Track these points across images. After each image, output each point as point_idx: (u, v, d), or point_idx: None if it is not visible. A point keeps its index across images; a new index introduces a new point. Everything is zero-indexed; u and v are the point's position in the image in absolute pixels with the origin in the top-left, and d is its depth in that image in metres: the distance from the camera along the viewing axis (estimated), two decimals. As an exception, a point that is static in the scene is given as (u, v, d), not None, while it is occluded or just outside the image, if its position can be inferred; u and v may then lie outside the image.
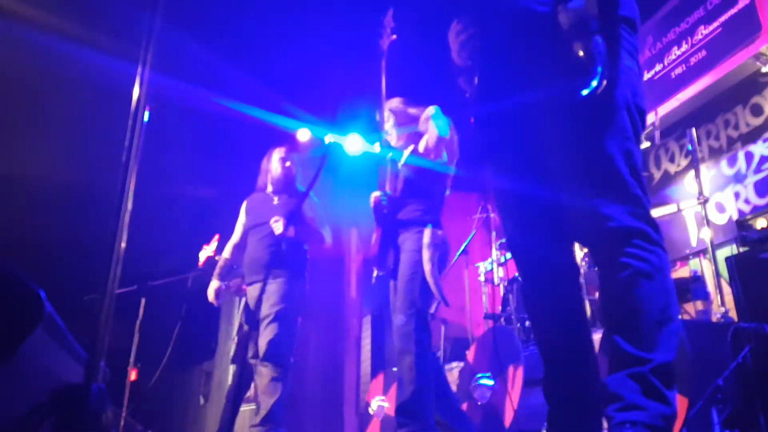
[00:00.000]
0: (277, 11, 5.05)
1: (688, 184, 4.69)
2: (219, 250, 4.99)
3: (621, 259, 1.36)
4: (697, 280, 3.56)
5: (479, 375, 3.40)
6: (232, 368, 7.68)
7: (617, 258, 1.36)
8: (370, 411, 4.10)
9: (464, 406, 3.45)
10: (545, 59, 1.46)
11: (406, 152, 3.11)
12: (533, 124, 1.52)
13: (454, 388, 3.70)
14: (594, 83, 1.28)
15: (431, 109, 3.06)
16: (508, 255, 4.33)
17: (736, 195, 4.38)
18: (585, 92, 1.29)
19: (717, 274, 3.23)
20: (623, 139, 1.40)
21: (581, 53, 1.31)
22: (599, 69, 1.29)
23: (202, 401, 8.35)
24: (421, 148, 3.05)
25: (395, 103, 3.25)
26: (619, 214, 1.36)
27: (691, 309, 3.72)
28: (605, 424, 1.39)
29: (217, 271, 3.75)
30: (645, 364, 1.31)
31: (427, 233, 2.92)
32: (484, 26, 1.57)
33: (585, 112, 1.37)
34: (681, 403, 2.25)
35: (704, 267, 4.15)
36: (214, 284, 3.70)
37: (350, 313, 5.96)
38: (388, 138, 3.20)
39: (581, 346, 1.57)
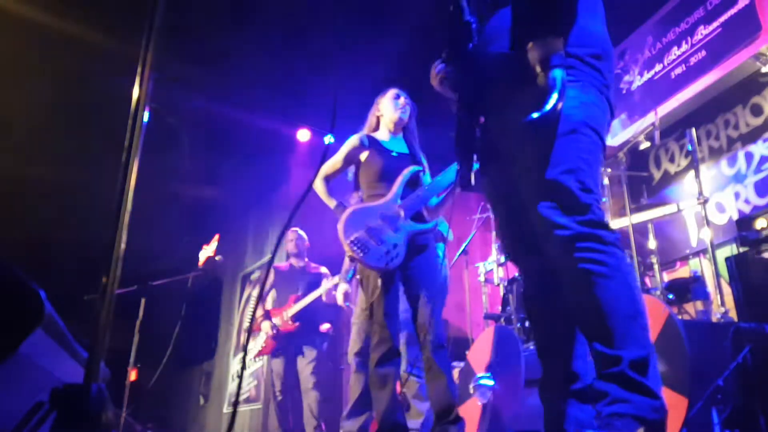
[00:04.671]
0: (277, 11, 5.05)
1: (688, 184, 4.70)
2: (219, 250, 4.99)
3: (579, 266, 1.44)
4: (697, 280, 3.56)
5: (479, 375, 3.40)
6: (232, 368, 7.68)
7: (575, 264, 1.44)
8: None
9: (464, 406, 3.45)
10: (514, 91, 1.60)
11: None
12: (504, 144, 1.66)
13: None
14: (547, 107, 1.44)
15: None
16: (508, 255, 4.33)
17: (736, 195, 4.38)
18: (536, 115, 1.45)
19: (717, 274, 3.22)
20: (575, 157, 1.51)
21: (540, 82, 1.48)
22: (553, 97, 1.45)
23: (202, 401, 8.34)
24: None
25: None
26: (570, 223, 1.46)
27: (691, 309, 3.72)
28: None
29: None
30: (620, 362, 1.37)
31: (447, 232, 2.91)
32: (464, 67, 1.72)
33: (541, 132, 1.51)
34: (681, 403, 2.25)
35: (704, 267, 4.15)
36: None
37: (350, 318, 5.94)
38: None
39: (578, 347, 1.60)
